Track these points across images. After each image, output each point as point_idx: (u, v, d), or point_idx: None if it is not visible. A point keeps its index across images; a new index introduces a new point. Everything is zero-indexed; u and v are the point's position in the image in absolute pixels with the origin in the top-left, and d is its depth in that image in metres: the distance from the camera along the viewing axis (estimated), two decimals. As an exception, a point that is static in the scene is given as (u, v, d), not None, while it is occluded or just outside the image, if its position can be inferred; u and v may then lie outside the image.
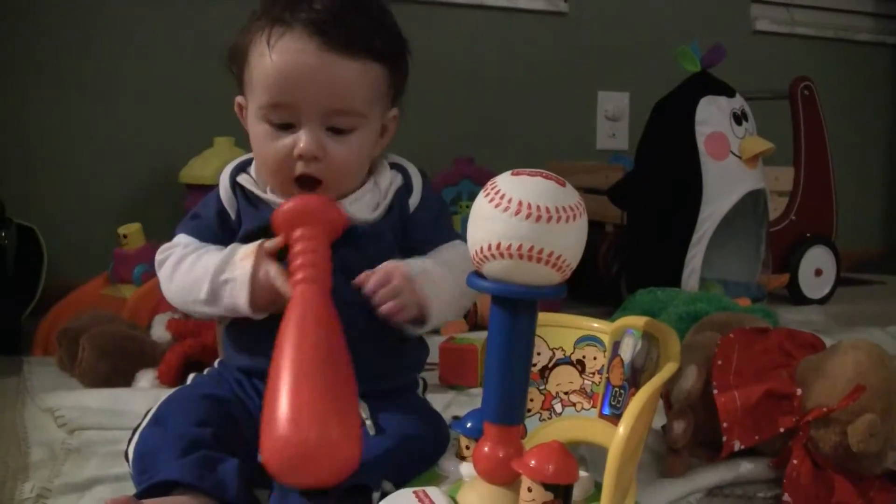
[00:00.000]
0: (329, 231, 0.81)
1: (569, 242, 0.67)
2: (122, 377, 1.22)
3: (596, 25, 2.49)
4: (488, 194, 0.68)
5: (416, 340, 0.93)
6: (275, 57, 0.82)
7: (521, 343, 0.71)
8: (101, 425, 1.03)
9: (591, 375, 0.85)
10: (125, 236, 1.56)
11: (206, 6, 1.99)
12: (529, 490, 0.66)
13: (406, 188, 0.91)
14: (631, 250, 1.91)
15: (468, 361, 1.27)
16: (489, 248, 0.66)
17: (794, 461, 0.86)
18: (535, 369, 0.87)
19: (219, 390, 0.85)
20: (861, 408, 0.84)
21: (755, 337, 0.94)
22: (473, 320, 1.66)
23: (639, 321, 0.81)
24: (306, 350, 0.72)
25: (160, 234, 1.61)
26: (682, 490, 0.87)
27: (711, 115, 1.75)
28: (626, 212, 1.98)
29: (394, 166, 0.92)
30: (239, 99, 0.90)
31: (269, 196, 0.87)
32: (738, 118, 1.78)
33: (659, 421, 0.92)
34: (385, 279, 0.82)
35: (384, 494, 0.73)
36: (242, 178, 0.89)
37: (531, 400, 0.86)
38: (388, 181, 0.90)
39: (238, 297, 0.81)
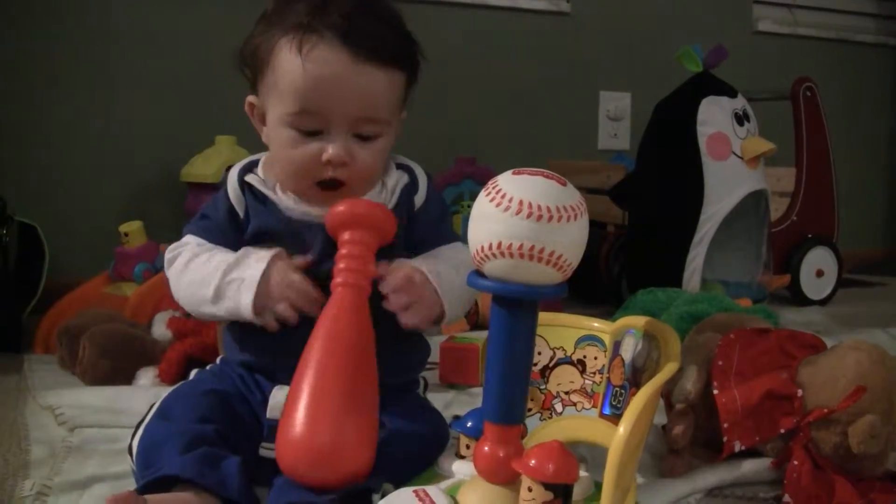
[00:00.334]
0: (378, 237, 0.81)
1: (569, 242, 0.67)
2: (122, 375, 1.22)
3: (598, 25, 2.49)
4: (489, 193, 0.68)
5: (417, 340, 0.93)
6: (308, 66, 0.82)
7: (522, 342, 0.71)
8: (101, 423, 1.03)
9: (591, 375, 0.85)
10: (126, 234, 1.57)
11: (208, 5, 1.99)
12: (529, 490, 0.66)
13: (412, 187, 0.91)
14: (632, 250, 1.90)
15: (469, 360, 1.27)
16: (489, 247, 0.67)
17: (795, 462, 0.86)
18: (536, 369, 0.87)
19: (221, 386, 0.85)
20: (862, 409, 0.85)
21: (756, 337, 0.94)
22: (474, 319, 1.66)
23: (639, 321, 0.81)
24: (335, 353, 0.74)
25: (161, 232, 1.62)
26: (682, 490, 0.87)
27: (713, 115, 1.75)
28: (627, 212, 1.98)
29: (400, 166, 0.93)
30: (251, 98, 0.90)
31: (278, 195, 0.88)
32: (740, 119, 1.78)
33: (659, 421, 0.92)
34: (405, 283, 0.82)
35: (384, 494, 0.73)
36: (251, 178, 0.89)
37: (532, 399, 0.86)
38: (394, 181, 0.91)
39: (242, 297, 0.81)
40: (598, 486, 0.75)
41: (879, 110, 3.00)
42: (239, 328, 0.88)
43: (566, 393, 0.86)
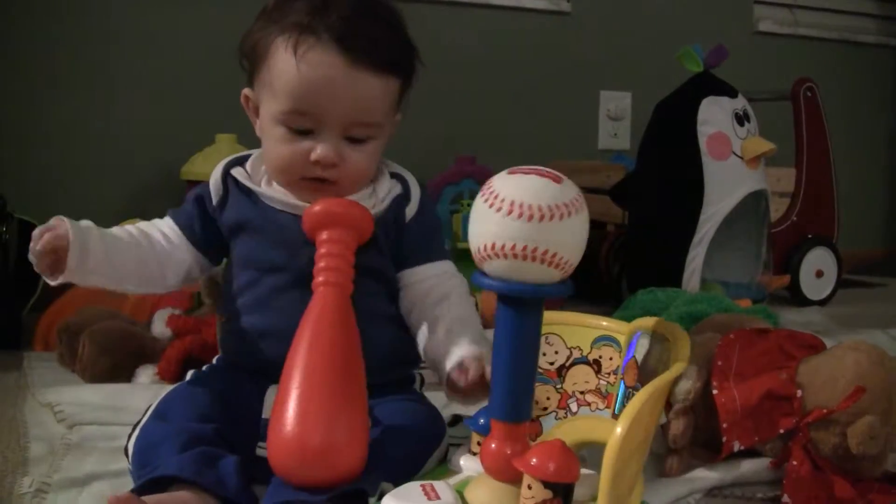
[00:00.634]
0: (356, 235, 0.81)
1: (565, 240, 0.67)
2: (122, 373, 1.22)
3: (598, 25, 2.49)
4: (484, 194, 0.68)
5: (409, 336, 0.92)
6: (303, 68, 0.82)
7: (527, 340, 0.71)
8: (100, 421, 1.03)
9: (606, 376, 0.86)
10: (126, 233, 1.56)
11: (208, 5, 1.99)
12: (529, 487, 0.67)
13: (404, 197, 0.91)
14: (632, 250, 1.90)
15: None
16: (485, 248, 0.67)
17: (794, 462, 0.86)
18: (552, 368, 0.88)
19: (218, 385, 0.85)
20: (861, 409, 0.84)
21: (755, 337, 0.94)
22: (474, 319, 1.66)
23: (653, 322, 0.81)
24: (320, 352, 0.74)
25: (161, 230, 1.62)
26: (682, 490, 0.87)
27: (713, 115, 1.75)
28: (627, 212, 1.98)
29: (394, 175, 0.92)
30: (246, 91, 0.91)
31: (262, 189, 0.89)
32: (740, 119, 1.78)
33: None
34: (483, 384, 0.79)
35: (381, 495, 0.73)
36: (236, 171, 0.90)
37: (548, 398, 0.87)
38: (386, 189, 0.90)
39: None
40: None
41: (879, 110, 3.00)
42: (237, 327, 0.88)
43: (581, 393, 0.86)
